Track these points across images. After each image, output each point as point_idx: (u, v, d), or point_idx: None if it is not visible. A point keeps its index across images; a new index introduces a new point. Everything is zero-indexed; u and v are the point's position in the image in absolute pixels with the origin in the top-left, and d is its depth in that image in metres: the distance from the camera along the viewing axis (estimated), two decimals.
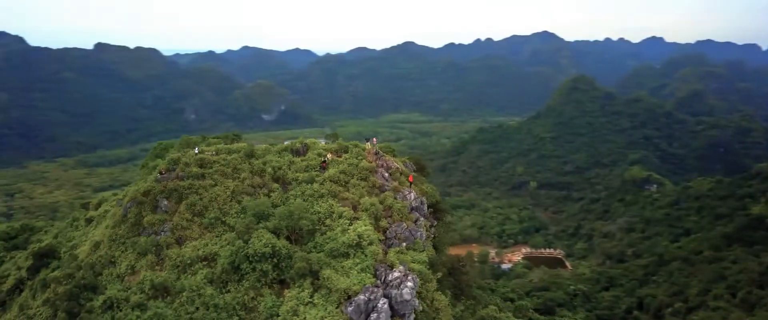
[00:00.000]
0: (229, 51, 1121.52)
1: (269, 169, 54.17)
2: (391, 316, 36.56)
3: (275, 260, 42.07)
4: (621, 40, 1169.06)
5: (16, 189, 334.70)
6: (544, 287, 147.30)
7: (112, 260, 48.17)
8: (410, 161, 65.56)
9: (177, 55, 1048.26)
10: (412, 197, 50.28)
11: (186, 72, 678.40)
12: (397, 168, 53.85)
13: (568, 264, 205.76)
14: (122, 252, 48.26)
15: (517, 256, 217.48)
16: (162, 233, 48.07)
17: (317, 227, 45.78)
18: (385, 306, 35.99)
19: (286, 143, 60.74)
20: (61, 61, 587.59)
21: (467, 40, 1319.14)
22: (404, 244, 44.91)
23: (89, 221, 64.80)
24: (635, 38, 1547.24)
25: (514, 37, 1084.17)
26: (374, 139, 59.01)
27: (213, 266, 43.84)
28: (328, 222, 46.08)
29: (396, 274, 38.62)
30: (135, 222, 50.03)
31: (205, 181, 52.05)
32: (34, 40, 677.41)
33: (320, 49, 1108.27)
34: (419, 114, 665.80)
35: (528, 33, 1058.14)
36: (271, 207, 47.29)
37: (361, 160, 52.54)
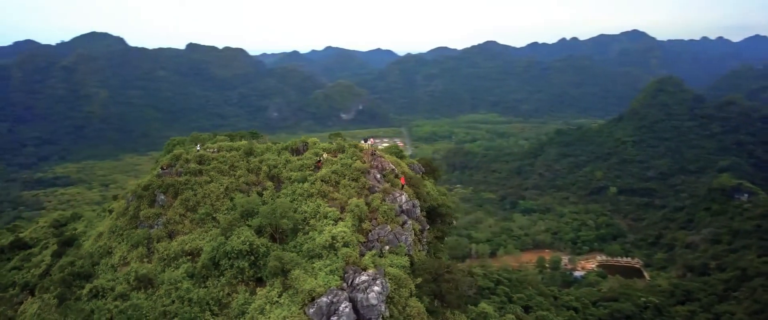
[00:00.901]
0: (313, 51, 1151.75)
1: (265, 167, 54.25)
2: (356, 319, 35.89)
3: (252, 258, 42.03)
4: (720, 39, 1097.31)
5: (111, 180, 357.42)
6: (613, 297, 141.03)
7: (109, 250, 49.86)
8: (419, 163, 64.37)
9: (264, 55, 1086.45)
10: (404, 200, 48.84)
11: (271, 71, 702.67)
12: (392, 169, 52.26)
13: (646, 274, 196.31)
14: (118, 243, 49.88)
15: (591, 264, 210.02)
16: (155, 226, 49.18)
17: (300, 227, 45.37)
18: (347, 309, 35.32)
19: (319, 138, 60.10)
20: (156, 60, 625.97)
21: (552, 39, 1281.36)
22: (387, 247, 43.91)
23: (110, 212, 66.37)
24: (736, 37, 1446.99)
25: (601, 36, 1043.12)
26: (371, 140, 58.30)
27: (196, 261, 44.30)
28: (312, 222, 45.59)
29: (363, 278, 37.81)
30: (133, 215, 51.55)
31: (202, 178, 52.79)
32: (133, 41, 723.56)
33: (401, 49, 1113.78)
34: (497, 114, 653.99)
35: (616, 32, 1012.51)
36: (260, 205, 47.27)
37: (356, 160, 51.52)
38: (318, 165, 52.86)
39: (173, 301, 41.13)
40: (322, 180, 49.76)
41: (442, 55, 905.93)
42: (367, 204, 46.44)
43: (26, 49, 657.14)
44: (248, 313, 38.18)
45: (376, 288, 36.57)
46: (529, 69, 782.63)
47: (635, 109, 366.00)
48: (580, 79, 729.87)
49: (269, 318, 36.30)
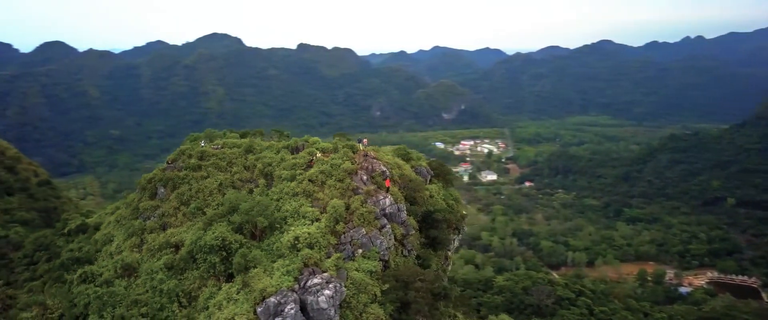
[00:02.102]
0: (420, 51, 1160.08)
1: (259, 165, 54.29)
2: None
3: (224, 253, 42.32)
4: None
5: None
6: (715, 317, 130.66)
7: (111, 239, 52.30)
8: (428, 166, 61.90)
9: (372, 55, 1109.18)
10: (387, 202, 46.99)
11: (376, 71, 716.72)
12: (383, 171, 50.32)
13: (764, 295, 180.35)
14: (118, 232, 52.28)
15: (700, 280, 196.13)
16: (151, 218, 50.92)
17: (278, 225, 44.98)
18: (293, 311, 34.32)
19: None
20: (268, 60, 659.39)
21: (674, 38, 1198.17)
22: (360, 251, 42.68)
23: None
24: None
25: (731, 34, 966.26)
26: (365, 141, 56.16)
27: (177, 253, 45.27)
28: (290, 221, 44.91)
29: (316, 280, 36.72)
30: (136, 206, 53.87)
31: (199, 173, 53.96)
32: (249, 41, 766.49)
33: (510, 48, 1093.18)
34: (608, 117, 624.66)
35: (750, 30, 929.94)
36: (244, 202, 46.74)
37: (345, 161, 50.34)
38: (310, 165, 52.32)
39: (147, 291, 42.33)
40: (309, 180, 49.21)
41: (551, 54, 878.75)
42: (347, 206, 45.40)
43: (156, 49, 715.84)
44: (209, 308, 38.61)
45: (327, 291, 35.59)
46: (645, 69, 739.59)
47: (761, 114, 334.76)
48: (703, 80, 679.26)
49: (224, 313, 36.44)
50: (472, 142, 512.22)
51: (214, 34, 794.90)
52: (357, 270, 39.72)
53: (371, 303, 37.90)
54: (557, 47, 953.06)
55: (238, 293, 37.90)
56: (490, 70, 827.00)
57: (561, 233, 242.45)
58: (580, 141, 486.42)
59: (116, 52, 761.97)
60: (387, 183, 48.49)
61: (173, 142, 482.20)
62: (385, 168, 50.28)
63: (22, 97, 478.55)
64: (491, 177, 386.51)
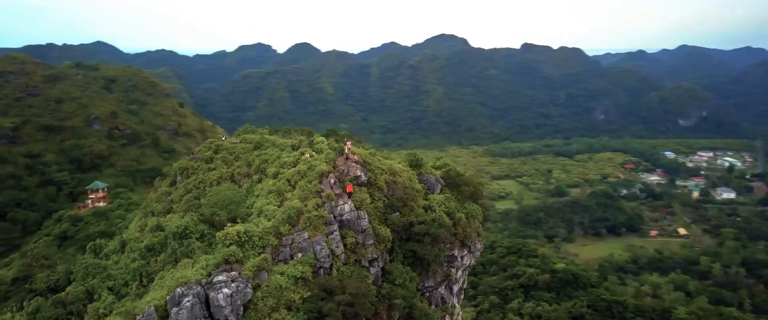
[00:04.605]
0: (663, 50, 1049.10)
1: (257, 161, 55.34)
2: (206, 317, 34.56)
3: (185, 240, 44.11)
4: None
5: None
6: None
7: (134, 217, 57.81)
8: (437, 175, 57.81)
9: (607, 54, 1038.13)
10: (346, 209, 44.73)
11: (604, 71, 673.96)
12: (357, 176, 47.74)
13: None
14: (139, 212, 57.79)
15: None
16: (163, 202, 55.21)
17: (238, 220, 45.16)
18: (188, 303, 34.18)
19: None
20: (490, 60, 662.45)
21: None
22: (300, 255, 41.16)
23: None
24: None
25: None
26: (349, 143, 51.65)
27: (158, 236, 48.10)
28: (252, 218, 45.08)
29: (220, 277, 36.35)
30: (160, 191, 58.32)
31: (208, 165, 56.83)
32: (475, 42, 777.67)
33: None
34: None
35: None
36: (233, 196, 48.34)
37: (323, 163, 49.09)
38: (295, 164, 52.27)
39: (121, 268, 46.57)
40: (287, 179, 49.30)
41: None
42: (299, 209, 44.23)
43: (387, 50, 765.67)
44: (150, 291, 40.97)
45: (226, 289, 35.43)
46: None
47: None
48: None
49: (148, 297, 38.43)
50: (711, 154, 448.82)
51: (442, 35, 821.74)
52: (282, 274, 39.11)
53: (283, 308, 36.98)
54: None
55: (170, 280, 39.35)
56: (746, 73, 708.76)
57: None
58: None
59: (354, 53, 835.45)
60: (349, 189, 46.62)
61: (393, 138, 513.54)
62: (361, 173, 48.46)
63: (271, 92, 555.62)
64: (728, 195, 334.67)
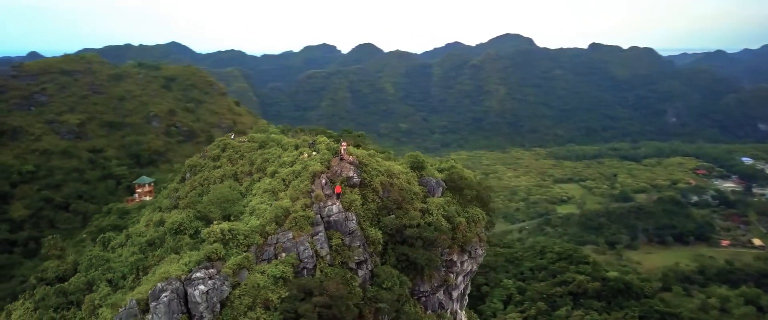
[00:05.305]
0: (744, 50, 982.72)
1: (259, 160, 55.61)
2: (185, 312, 35.28)
3: (178, 236, 45.11)
4: None
5: (492, 170, 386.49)
6: None
7: (146, 212, 59.36)
8: (439, 178, 56.29)
9: (683, 54, 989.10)
10: (335, 210, 44.27)
11: (677, 72, 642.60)
12: (350, 177, 46.89)
13: None
14: (150, 207, 58.09)
15: None
16: (171, 198, 56.68)
17: (232, 218, 45.73)
18: (166, 298, 34.89)
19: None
20: (555, 60, 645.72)
21: None
22: (283, 255, 40.97)
23: None
24: None
25: None
26: (344, 144, 50.05)
27: (159, 231, 49.14)
28: (245, 216, 45.23)
29: (198, 274, 36.87)
30: (170, 186, 60.12)
31: (215, 163, 57.89)
32: (541, 42, 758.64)
33: None
34: None
35: None
36: (228, 194, 48.70)
37: (317, 163, 48.85)
38: (292, 164, 52.49)
39: (123, 260, 48.04)
40: (282, 179, 49.25)
41: None
42: (287, 209, 44.09)
43: (451, 50, 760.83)
44: (142, 283, 41.86)
45: (202, 286, 35.89)
46: None
47: None
48: None
49: (136, 291, 39.17)
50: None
51: (507, 35, 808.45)
52: (263, 273, 39.12)
53: (260, 307, 36.98)
54: None
55: (156, 274, 40.53)
56: None
57: None
58: None
59: (417, 53, 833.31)
60: (337, 190, 46.14)
61: (453, 138, 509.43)
62: (353, 174, 47.88)
63: (333, 91, 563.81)
64: None
